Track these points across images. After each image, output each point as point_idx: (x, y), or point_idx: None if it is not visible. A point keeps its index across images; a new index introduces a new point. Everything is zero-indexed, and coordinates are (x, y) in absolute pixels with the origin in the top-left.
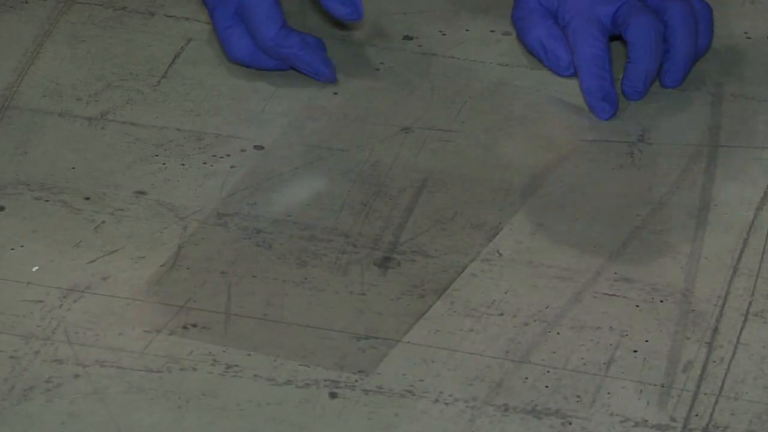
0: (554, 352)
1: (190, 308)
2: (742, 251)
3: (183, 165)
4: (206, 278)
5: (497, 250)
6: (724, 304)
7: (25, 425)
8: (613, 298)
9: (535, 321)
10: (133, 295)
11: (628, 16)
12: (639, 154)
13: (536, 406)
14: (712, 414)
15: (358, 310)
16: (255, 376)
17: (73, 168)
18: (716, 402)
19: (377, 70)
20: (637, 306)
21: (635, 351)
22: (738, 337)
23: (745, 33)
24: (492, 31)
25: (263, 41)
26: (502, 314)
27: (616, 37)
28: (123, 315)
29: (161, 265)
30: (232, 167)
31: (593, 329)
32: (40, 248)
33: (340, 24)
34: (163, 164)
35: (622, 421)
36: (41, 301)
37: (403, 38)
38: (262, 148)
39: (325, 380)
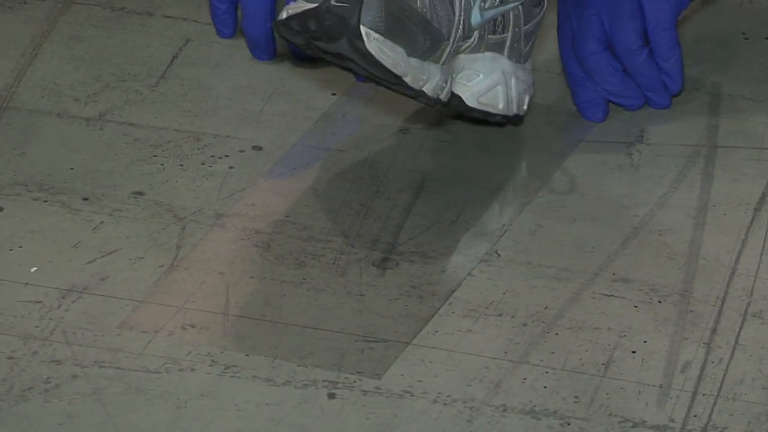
0: (553, 353)
1: (189, 309)
2: (740, 252)
3: (181, 166)
4: (204, 279)
5: (496, 251)
6: (722, 304)
7: (24, 426)
8: (611, 298)
9: (533, 321)
10: (131, 296)
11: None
12: (638, 155)
13: (535, 406)
14: (710, 415)
15: (357, 311)
16: (253, 376)
17: (72, 168)
18: (715, 403)
19: None
20: (636, 306)
21: (634, 351)
22: (736, 338)
23: (743, 34)
24: None
25: None
26: (500, 315)
27: None
28: (121, 315)
29: (159, 266)
30: (230, 168)
31: (592, 330)
32: (39, 249)
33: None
34: (162, 165)
35: (620, 422)
36: (39, 302)
37: None
38: (261, 148)
39: (323, 381)
